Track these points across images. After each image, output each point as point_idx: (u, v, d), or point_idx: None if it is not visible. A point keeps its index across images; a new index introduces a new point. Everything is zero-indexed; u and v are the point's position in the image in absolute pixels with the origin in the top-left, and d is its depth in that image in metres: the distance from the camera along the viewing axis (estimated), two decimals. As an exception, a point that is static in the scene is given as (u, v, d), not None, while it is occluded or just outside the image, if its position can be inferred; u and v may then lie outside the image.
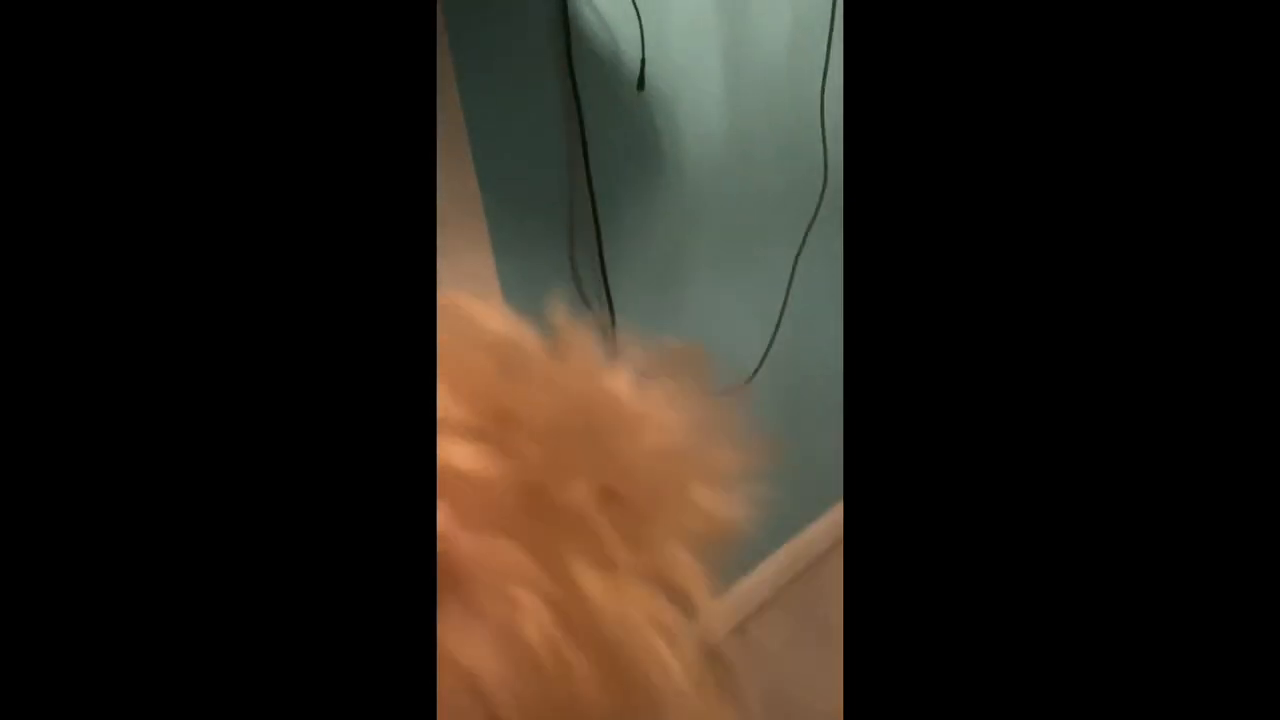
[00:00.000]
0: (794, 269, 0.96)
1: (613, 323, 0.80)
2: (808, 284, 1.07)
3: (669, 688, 0.20)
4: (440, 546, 0.18)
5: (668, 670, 0.20)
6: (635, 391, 0.23)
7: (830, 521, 1.36)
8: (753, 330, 1.01)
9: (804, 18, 0.91)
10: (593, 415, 0.21)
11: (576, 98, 0.71)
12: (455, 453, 0.18)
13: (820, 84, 0.92)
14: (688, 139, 0.84)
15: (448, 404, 0.19)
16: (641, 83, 0.71)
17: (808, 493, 1.29)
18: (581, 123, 0.72)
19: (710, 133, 0.85)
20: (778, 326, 0.97)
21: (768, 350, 0.97)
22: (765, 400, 1.12)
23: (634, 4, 0.67)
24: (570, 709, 0.18)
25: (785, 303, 0.96)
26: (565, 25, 0.68)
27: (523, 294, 0.71)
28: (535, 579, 0.18)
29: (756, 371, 0.97)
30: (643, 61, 0.71)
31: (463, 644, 0.18)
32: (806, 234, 0.94)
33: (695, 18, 0.80)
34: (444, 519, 0.18)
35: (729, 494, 0.23)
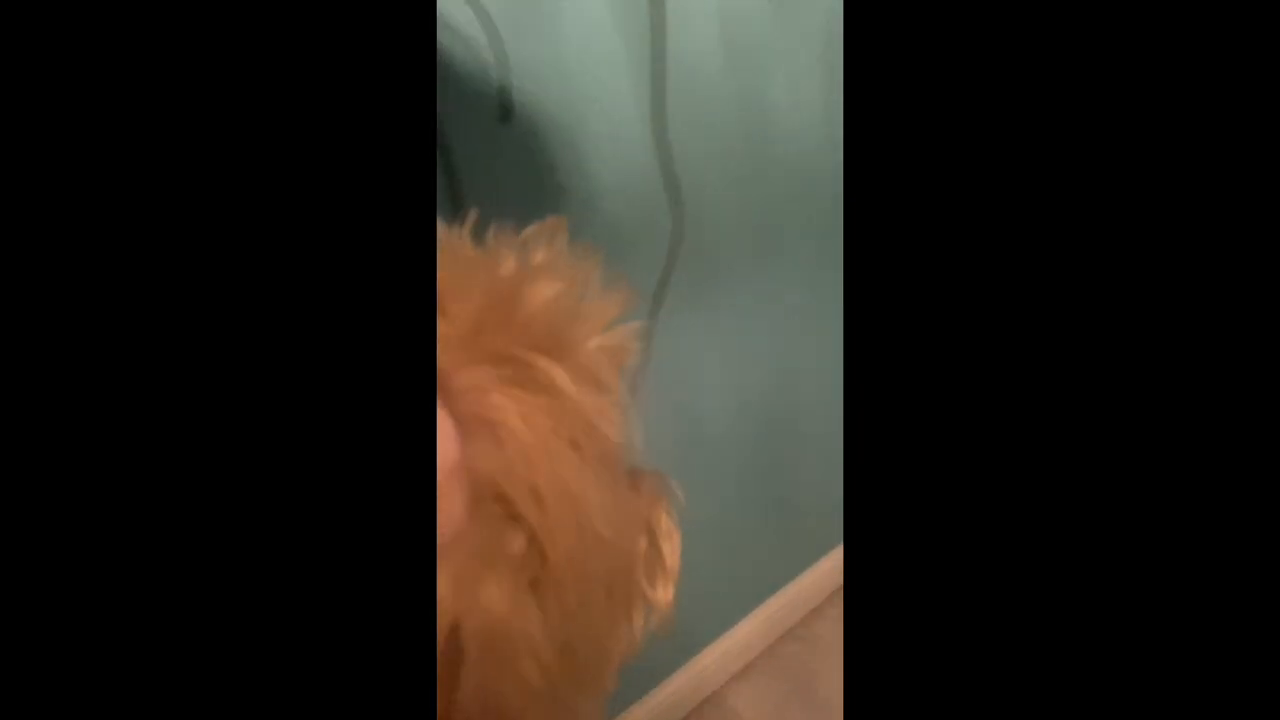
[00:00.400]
0: (650, 324, 0.80)
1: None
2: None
3: (608, 437, 0.27)
4: (440, 381, 0.24)
5: (611, 424, 0.27)
6: (521, 266, 0.29)
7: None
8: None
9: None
10: (498, 288, 0.27)
11: (440, 133, 0.59)
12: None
13: (658, 111, 0.77)
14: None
15: None
16: (506, 114, 0.58)
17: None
18: (450, 162, 0.60)
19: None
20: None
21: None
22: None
23: (482, 20, 0.55)
24: (549, 469, 0.24)
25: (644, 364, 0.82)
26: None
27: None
28: (504, 387, 0.25)
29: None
30: (505, 89, 0.58)
31: (474, 453, 0.24)
32: (660, 290, 0.79)
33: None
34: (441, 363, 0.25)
35: (612, 327, 0.30)
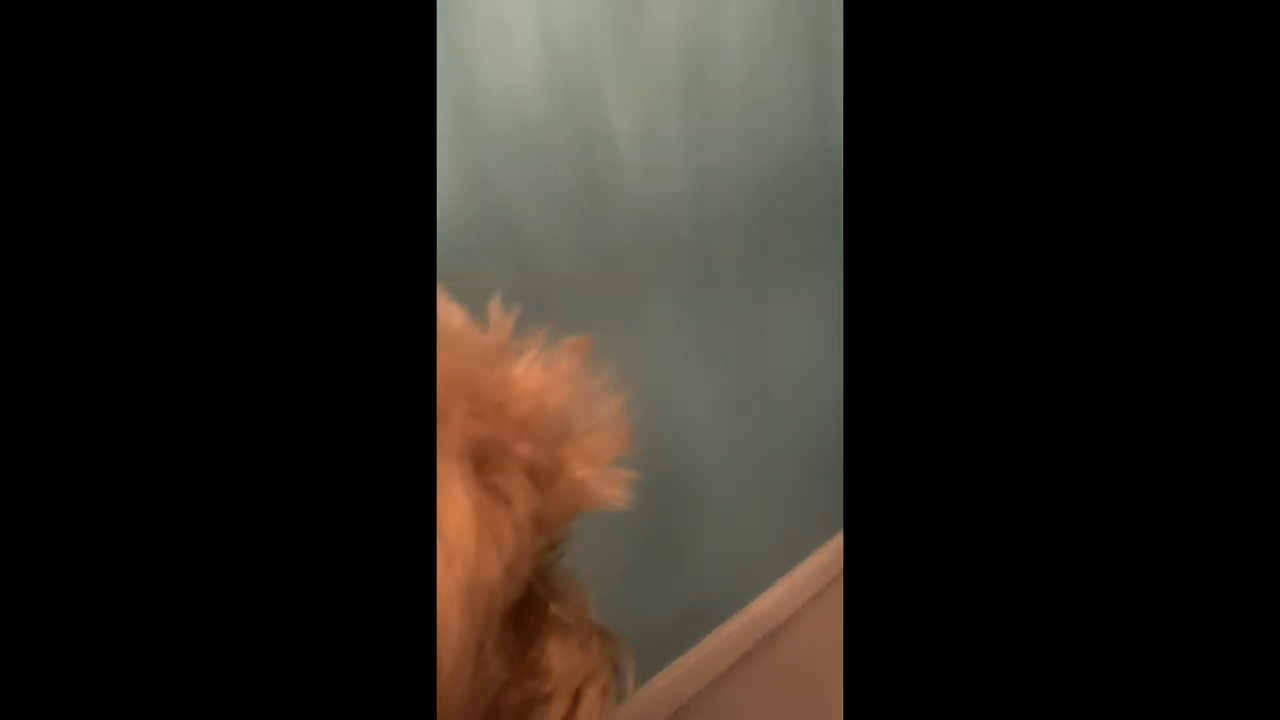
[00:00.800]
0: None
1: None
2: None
3: (514, 577, 0.26)
4: None
5: (494, 563, 0.24)
6: (529, 371, 0.29)
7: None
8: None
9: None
10: (494, 385, 0.27)
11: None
12: None
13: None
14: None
15: None
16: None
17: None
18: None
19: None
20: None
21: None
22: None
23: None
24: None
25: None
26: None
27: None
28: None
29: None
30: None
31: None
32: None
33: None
34: None
35: (600, 469, 0.30)
